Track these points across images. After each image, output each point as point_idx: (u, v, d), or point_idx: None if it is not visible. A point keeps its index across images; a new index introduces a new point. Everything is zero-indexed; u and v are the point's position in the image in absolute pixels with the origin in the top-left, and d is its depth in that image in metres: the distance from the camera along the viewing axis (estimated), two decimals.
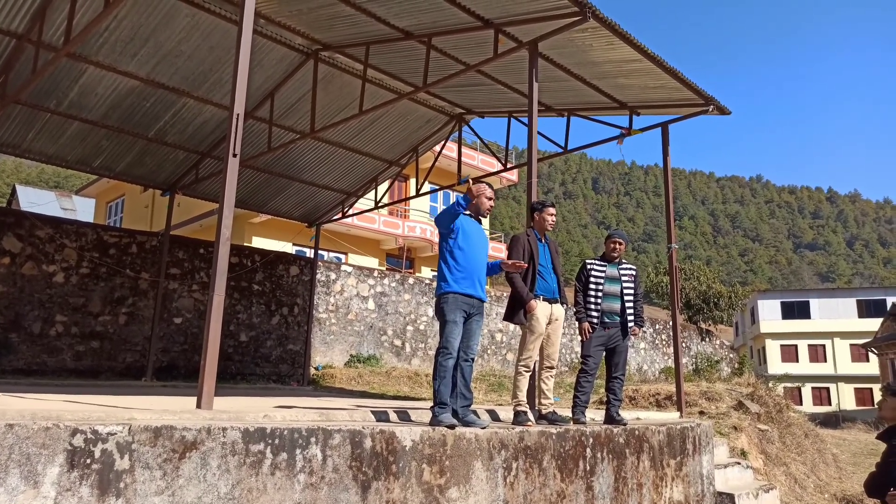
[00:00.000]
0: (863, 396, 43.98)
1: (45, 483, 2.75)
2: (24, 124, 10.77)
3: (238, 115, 4.72)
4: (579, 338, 6.40)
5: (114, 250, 12.83)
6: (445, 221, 4.92)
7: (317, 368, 15.51)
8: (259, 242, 20.08)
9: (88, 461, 2.86)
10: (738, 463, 7.99)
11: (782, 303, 48.45)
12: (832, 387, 45.33)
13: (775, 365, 45.36)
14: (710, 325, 34.71)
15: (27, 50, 9.01)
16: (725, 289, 36.79)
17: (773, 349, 47.29)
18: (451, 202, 4.94)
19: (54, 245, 12.11)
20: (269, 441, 3.41)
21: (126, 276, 12.85)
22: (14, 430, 2.71)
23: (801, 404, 40.25)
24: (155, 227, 20.52)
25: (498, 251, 26.19)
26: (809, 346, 46.76)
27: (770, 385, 15.41)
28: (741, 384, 11.65)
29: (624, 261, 6.51)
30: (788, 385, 35.83)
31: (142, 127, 11.35)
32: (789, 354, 46.86)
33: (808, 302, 48.18)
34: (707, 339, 30.95)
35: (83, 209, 31.28)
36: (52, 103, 10.39)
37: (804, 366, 45.91)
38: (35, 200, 30.29)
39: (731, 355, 32.82)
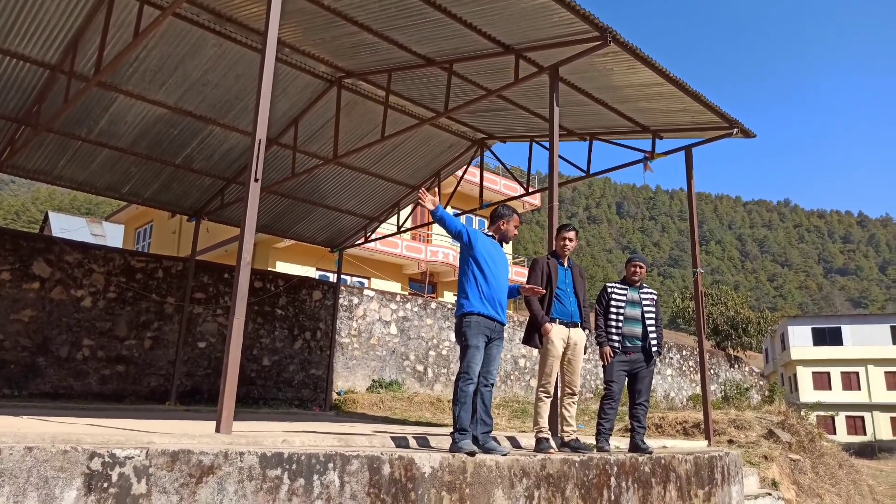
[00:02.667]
0: None
1: None
2: (56, 152, 11.04)
3: (260, 140, 4.78)
4: (602, 364, 6.31)
5: (140, 275, 13.01)
6: (448, 225, 4.91)
7: (339, 393, 15.48)
8: (283, 267, 20.24)
9: (105, 485, 2.86)
10: (770, 494, 7.76)
11: (813, 329, 47.41)
12: (867, 415, 44.05)
13: (807, 393, 44.25)
14: (738, 351, 34.06)
15: (60, 80, 9.27)
16: (754, 314, 36.12)
17: (804, 376, 46.19)
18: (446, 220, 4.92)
19: (83, 270, 12.31)
20: (287, 466, 3.38)
21: (152, 300, 13.00)
22: (33, 453, 2.72)
23: (835, 433, 39.15)
24: (182, 253, 20.80)
25: (521, 276, 26.07)
26: (842, 373, 45.60)
27: (802, 413, 15.02)
28: (772, 412, 11.38)
29: (645, 285, 6.43)
30: (821, 413, 34.90)
31: (169, 154, 11.57)
32: (821, 382, 45.71)
33: (839, 328, 47.09)
34: (736, 366, 30.34)
35: (113, 235, 31.88)
36: (83, 131, 10.64)
37: (837, 394, 44.73)
38: (66, 226, 30.96)
39: (761, 382, 32.12)
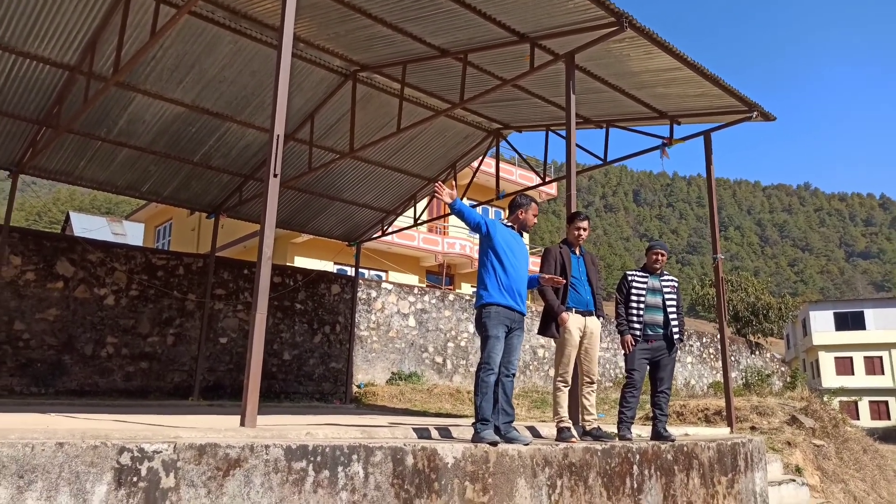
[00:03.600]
0: None
1: (93, 501, 2.79)
2: (76, 153, 11.17)
3: (278, 135, 4.80)
4: (622, 352, 6.29)
5: (161, 272, 13.16)
6: (466, 218, 4.93)
7: (359, 386, 15.57)
8: (301, 262, 20.34)
9: (135, 479, 2.91)
10: (794, 480, 7.71)
11: (835, 313, 46.87)
12: (891, 400, 43.53)
13: (830, 378, 43.80)
14: (759, 337, 33.74)
15: (79, 81, 9.37)
16: (775, 300, 35.73)
17: (826, 362, 45.72)
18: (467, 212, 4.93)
19: (105, 268, 12.47)
20: (312, 458, 3.42)
21: (173, 297, 13.15)
22: (63, 449, 2.77)
23: (859, 419, 38.71)
24: (201, 250, 20.99)
25: (538, 265, 26.00)
26: (865, 357, 45.07)
27: (825, 399, 14.87)
28: (794, 398, 11.28)
29: (665, 272, 6.39)
30: (844, 399, 34.56)
31: (187, 152, 11.66)
32: (844, 367, 45.22)
33: (862, 312, 46.51)
34: (757, 353, 30.07)
35: (133, 233, 32.23)
36: (103, 131, 10.76)
37: (860, 378, 44.23)
38: (87, 226, 31.36)
39: (783, 369, 31.81)
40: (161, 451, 2.99)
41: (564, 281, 5.46)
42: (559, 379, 5.61)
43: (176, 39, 9.09)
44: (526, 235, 6.29)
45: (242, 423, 4.25)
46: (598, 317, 5.79)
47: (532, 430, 6.01)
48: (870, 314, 46.20)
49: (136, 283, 12.74)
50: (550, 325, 5.58)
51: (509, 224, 5.21)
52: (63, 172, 11.64)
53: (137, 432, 3.63)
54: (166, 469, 2.99)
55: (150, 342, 12.76)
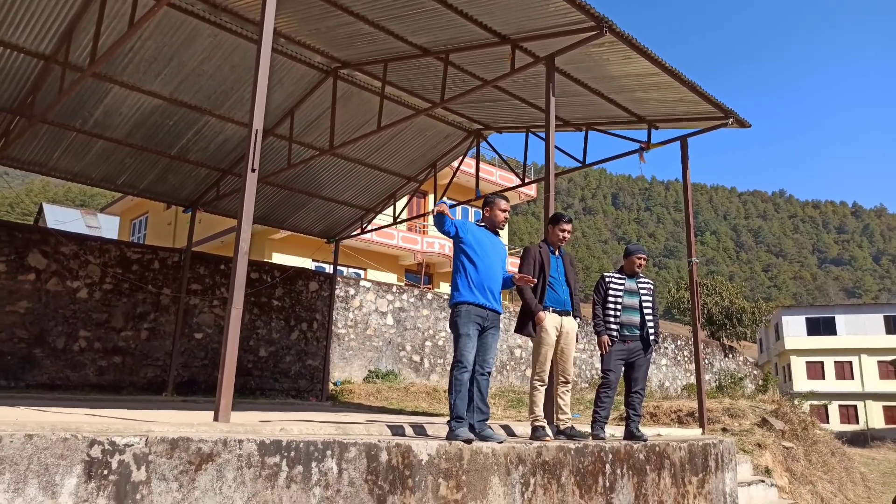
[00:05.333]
0: (892, 414, 42.98)
1: (62, 494, 2.76)
2: (50, 143, 11.00)
3: (257, 130, 4.78)
4: (599, 353, 6.35)
5: (136, 266, 13.00)
6: (437, 223, 4.95)
7: (335, 384, 15.53)
8: (279, 258, 20.23)
9: (105, 472, 2.88)
10: (763, 481, 7.84)
11: (807, 318, 47.60)
12: (860, 404, 44.33)
13: (801, 382, 44.49)
14: (733, 341, 34.25)
15: (54, 71, 9.23)
16: (749, 304, 36.29)
17: (798, 366, 46.44)
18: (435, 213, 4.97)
19: (78, 261, 12.29)
20: (285, 454, 3.41)
21: (148, 291, 13.00)
22: (33, 441, 2.73)
23: (828, 422, 39.39)
24: (177, 244, 20.77)
25: (517, 266, 26.12)
26: (836, 362, 45.84)
27: (795, 402, 15.12)
28: (765, 401, 11.46)
29: (641, 275, 6.46)
30: (815, 403, 35.11)
31: (165, 145, 11.54)
32: (815, 371, 45.96)
33: (833, 318, 47.29)
34: (730, 356, 30.50)
35: (108, 227, 31.80)
36: (78, 122, 10.60)
37: (831, 383, 44.99)
38: (61, 218, 30.84)
39: (756, 372, 32.29)
40: (132, 445, 2.96)
41: (535, 280, 5.49)
42: (536, 378, 5.65)
43: (154, 31, 8.99)
44: (504, 234, 6.30)
45: (216, 418, 4.23)
46: (575, 317, 5.83)
47: (507, 428, 6.04)
48: (841, 320, 47.01)
49: (110, 277, 12.58)
50: (527, 323, 5.61)
51: (482, 224, 5.25)
52: (37, 163, 11.45)
53: (109, 425, 3.60)
54: (138, 462, 2.96)
55: (124, 336, 12.61)
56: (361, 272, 23.63)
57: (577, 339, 5.88)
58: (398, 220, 14.38)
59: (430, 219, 25.36)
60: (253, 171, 4.71)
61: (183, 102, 10.51)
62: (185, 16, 8.80)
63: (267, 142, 11.50)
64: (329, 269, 16.95)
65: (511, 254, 30.41)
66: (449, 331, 18.37)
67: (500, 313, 5.05)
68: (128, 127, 10.90)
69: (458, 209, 26.32)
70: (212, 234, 21.91)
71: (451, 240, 5.09)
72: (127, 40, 7.64)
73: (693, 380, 24.46)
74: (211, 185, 12.90)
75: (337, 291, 16.08)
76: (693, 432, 8.35)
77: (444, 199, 6.23)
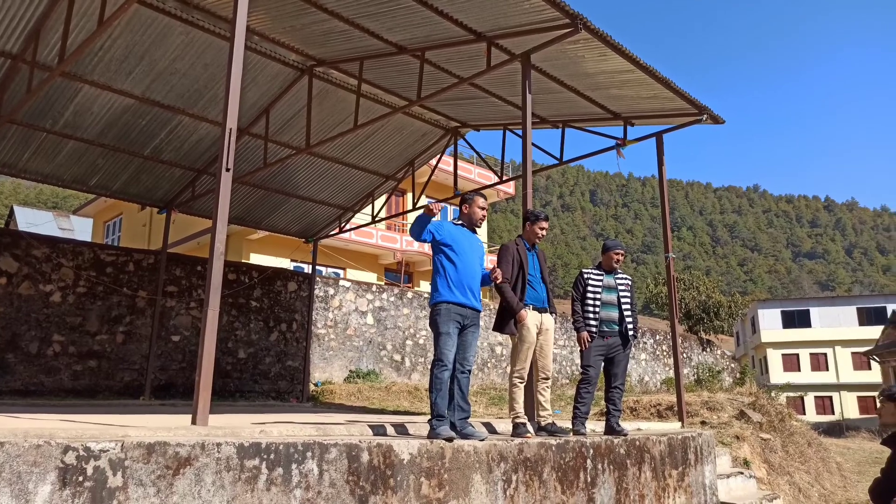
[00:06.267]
0: (866, 405, 43.75)
1: (36, 501, 2.70)
2: (19, 144, 10.78)
3: (231, 129, 4.72)
4: (579, 349, 6.37)
5: (111, 269, 12.80)
6: (415, 231, 4.97)
7: (316, 384, 15.43)
8: (257, 259, 20.06)
9: (81, 479, 2.82)
10: (741, 472, 7.93)
11: (783, 312, 48.33)
12: (835, 395, 45.12)
13: (777, 374, 45.18)
14: (710, 335, 34.64)
15: (22, 70, 9.04)
16: (725, 298, 36.72)
17: (774, 358, 47.13)
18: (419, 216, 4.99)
19: (51, 264, 12.07)
20: (265, 456, 3.37)
21: (123, 294, 12.80)
22: (4, 448, 2.67)
23: (805, 414, 40.06)
24: (153, 246, 20.51)
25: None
26: (811, 354, 46.59)
27: (772, 394, 15.33)
28: (743, 394, 11.58)
29: (619, 270, 6.50)
30: (791, 394, 35.67)
31: (137, 145, 11.36)
32: (791, 364, 46.69)
33: (808, 311, 48.07)
34: (708, 350, 30.85)
35: (81, 229, 31.29)
36: (48, 123, 10.40)
37: (806, 375, 45.73)
38: (33, 221, 30.28)
39: (733, 365, 32.71)
40: (108, 450, 2.91)
41: (507, 276, 5.49)
42: (515, 375, 5.65)
43: (125, 29, 8.84)
44: (483, 232, 6.29)
45: (194, 422, 4.17)
46: (551, 313, 5.85)
47: (488, 426, 6.04)
48: (815, 313, 47.78)
49: (83, 280, 12.37)
50: (508, 322, 5.60)
51: (459, 222, 5.24)
52: (6, 164, 11.22)
53: (84, 431, 3.53)
54: (114, 468, 2.91)
55: (99, 340, 12.40)
56: (341, 272, 23.51)
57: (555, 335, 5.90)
58: (377, 218, 14.32)
59: (409, 223, 25.26)
60: (227, 170, 4.64)
61: (155, 102, 10.36)
62: (156, 13, 8.66)
63: (242, 141, 11.38)
64: (308, 269, 16.84)
65: (490, 251, 30.50)
66: (429, 329, 18.40)
67: (479, 311, 5.05)
68: (99, 127, 10.72)
69: (438, 206, 26.29)
70: (188, 236, 21.65)
71: (427, 242, 5.08)
72: (96, 39, 7.52)
73: (672, 374, 24.72)
74: (186, 186, 12.74)
75: (316, 291, 15.98)
76: (672, 426, 8.42)
77: (428, 200, 6.23)
